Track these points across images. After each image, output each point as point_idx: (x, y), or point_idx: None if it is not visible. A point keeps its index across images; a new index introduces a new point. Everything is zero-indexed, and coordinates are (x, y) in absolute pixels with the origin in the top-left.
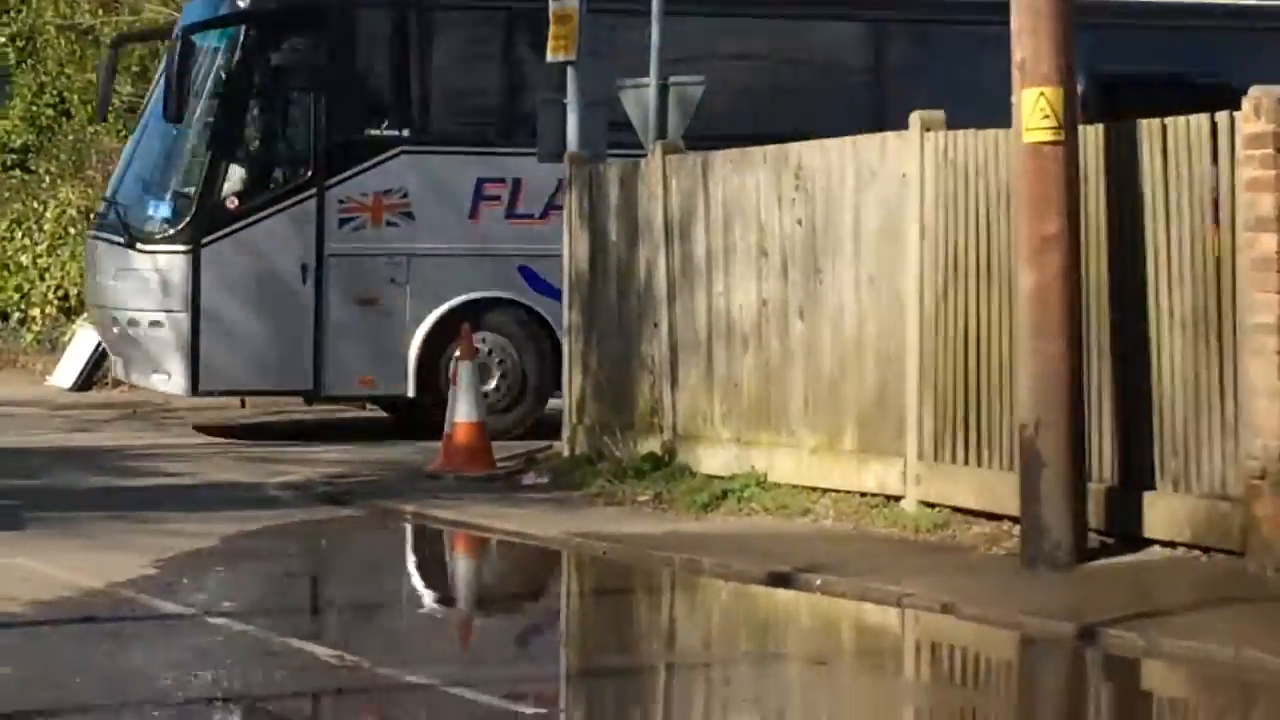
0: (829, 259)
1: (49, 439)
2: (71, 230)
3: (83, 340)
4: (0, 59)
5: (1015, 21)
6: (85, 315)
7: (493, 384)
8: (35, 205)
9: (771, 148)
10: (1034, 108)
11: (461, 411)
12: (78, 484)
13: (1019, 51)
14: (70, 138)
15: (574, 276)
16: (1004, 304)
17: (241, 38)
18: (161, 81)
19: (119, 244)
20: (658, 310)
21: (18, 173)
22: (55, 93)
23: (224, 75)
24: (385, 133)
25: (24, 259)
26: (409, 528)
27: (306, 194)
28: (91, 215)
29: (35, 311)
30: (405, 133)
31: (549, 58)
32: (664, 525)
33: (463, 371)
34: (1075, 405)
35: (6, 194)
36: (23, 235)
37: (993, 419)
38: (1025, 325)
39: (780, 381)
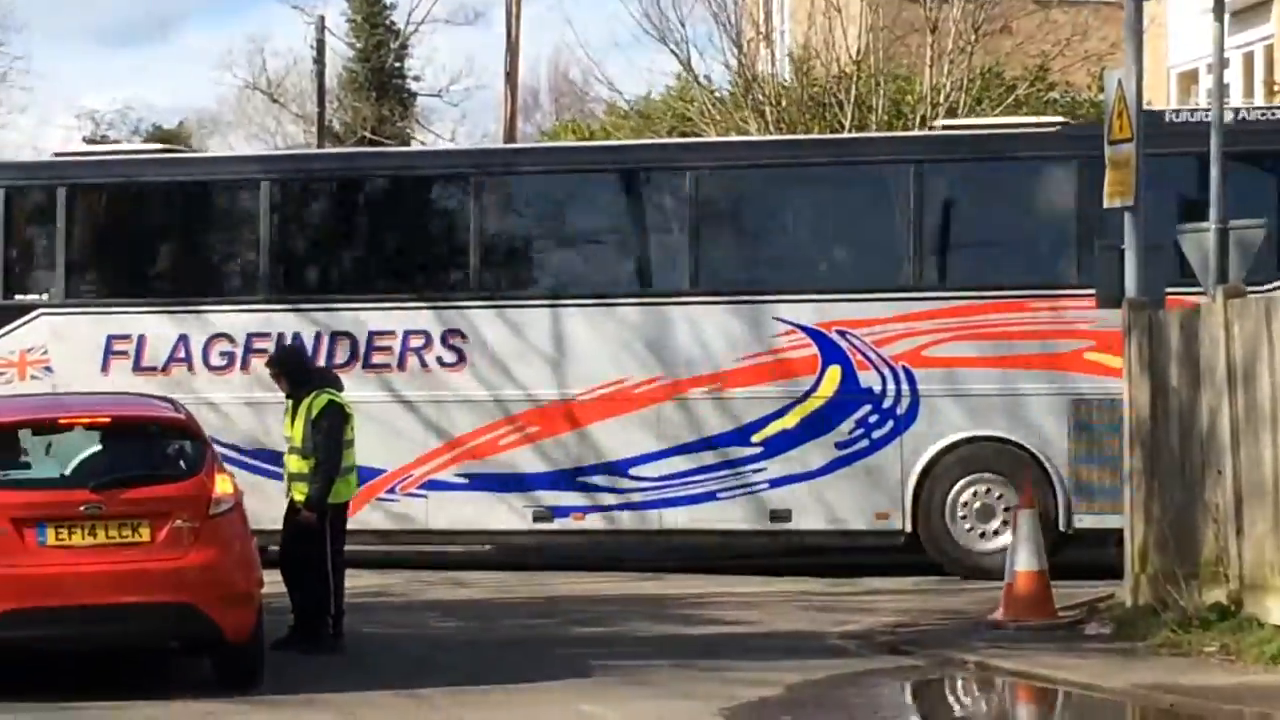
0: None
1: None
2: None
3: None
4: None
5: None
6: None
7: None
8: None
9: None
10: None
11: (1022, 560)
12: (643, 631)
13: None
14: None
15: (1134, 423)
16: None
17: None
18: None
19: None
20: (1221, 457)
21: None
22: None
23: None
24: (28, 298)
25: None
26: (973, 678)
27: None
28: None
29: None
30: (44, 296)
31: (1105, 203)
32: (1232, 678)
33: (1023, 520)
34: None
35: None
36: None
37: None
38: None
39: None
